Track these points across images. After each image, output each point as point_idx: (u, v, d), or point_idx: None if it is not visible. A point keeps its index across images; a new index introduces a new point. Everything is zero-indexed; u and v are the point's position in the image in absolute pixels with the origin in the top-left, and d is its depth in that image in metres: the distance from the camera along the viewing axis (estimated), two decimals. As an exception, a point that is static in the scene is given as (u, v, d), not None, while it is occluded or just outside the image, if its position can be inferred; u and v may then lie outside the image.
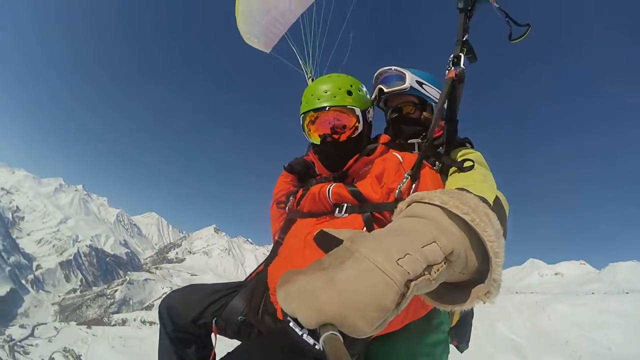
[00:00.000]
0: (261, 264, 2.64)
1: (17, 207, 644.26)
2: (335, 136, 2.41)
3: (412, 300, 1.21)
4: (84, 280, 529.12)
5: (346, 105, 2.38)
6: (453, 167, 2.13)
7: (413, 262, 0.94)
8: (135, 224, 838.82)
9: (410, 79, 2.85)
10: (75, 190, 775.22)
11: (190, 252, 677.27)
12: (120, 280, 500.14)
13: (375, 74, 3.07)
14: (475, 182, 1.82)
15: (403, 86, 2.85)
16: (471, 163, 2.02)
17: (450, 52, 2.44)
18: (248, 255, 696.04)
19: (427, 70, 3.03)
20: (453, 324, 2.29)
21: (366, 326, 0.88)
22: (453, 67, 2.40)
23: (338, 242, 1.07)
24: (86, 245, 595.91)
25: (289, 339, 1.30)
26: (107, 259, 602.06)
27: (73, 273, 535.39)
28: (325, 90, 2.40)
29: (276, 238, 2.61)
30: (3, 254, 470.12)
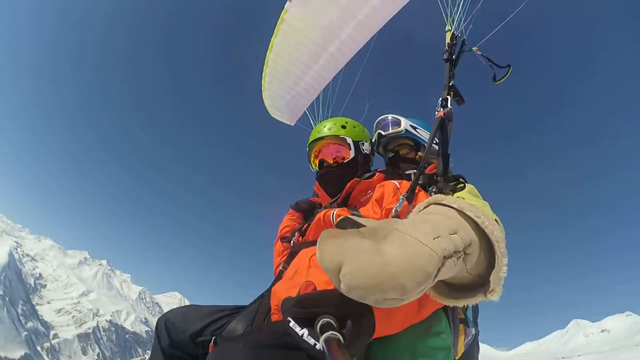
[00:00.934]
0: (265, 291, 2.64)
1: (40, 274, 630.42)
2: (333, 164, 2.86)
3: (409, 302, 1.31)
4: (101, 355, 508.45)
5: (339, 135, 2.87)
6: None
7: (446, 242, 1.04)
8: (157, 303, 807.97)
9: (405, 123, 3.22)
10: (100, 265, 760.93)
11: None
12: (139, 358, 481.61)
13: (375, 122, 3.43)
14: (475, 203, 1.88)
15: (399, 129, 3.21)
16: (462, 185, 2.24)
17: (439, 96, 2.77)
18: None
19: (421, 117, 3.40)
20: (457, 357, 2.30)
21: (414, 288, 0.94)
22: (442, 108, 2.68)
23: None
24: (106, 320, 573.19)
25: (288, 337, 1.28)
26: (127, 336, 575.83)
27: (90, 346, 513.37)
28: (324, 125, 2.97)
29: (280, 269, 2.68)
30: (22, 318, 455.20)
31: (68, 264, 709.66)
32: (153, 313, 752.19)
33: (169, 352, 2.33)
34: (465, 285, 1.25)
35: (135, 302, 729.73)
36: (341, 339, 1.09)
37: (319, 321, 1.16)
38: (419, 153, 3.26)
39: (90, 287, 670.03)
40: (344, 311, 1.23)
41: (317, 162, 2.94)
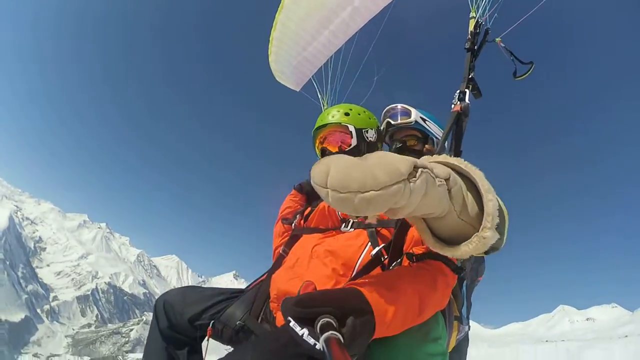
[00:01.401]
0: (264, 274, 2.66)
1: (40, 237, 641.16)
2: (335, 151, 2.81)
3: (409, 302, 1.50)
4: (99, 316, 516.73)
5: (341, 123, 2.82)
6: None
7: (421, 161, 1.15)
8: (155, 266, 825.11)
9: (415, 114, 3.16)
10: (99, 228, 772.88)
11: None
12: (137, 320, 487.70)
13: (384, 111, 3.34)
14: None
15: (409, 120, 3.14)
16: None
17: (456, 88, 2.70)
18: None
19: (429, 108, 3.32)
20: (449, 349, 2.29)
21: (387, 180, 1.04)
22: (459, 102, 2.63)
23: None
24: (105, 282, 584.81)
25: (289, 338, 1.29)
26: (125, 298, 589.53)
27: (89, 308, 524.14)
28: (328, 113, 2.92)
29: (280, 251, 2.66)
30: (22, 281, 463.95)
31: (67, 226, 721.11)
32: (151, 275, 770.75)
33: (167, 334, 2.33)
34: (462, 237, 1.33)
35: (134, 264, 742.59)
36: (341, 338, 1.10)
37: (319, 321, 1.16)
38: (427, 146, 3.21)
39: (89, 250, 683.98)
40: (344, 311, 1.25)
41: (321, 148, 2.92)
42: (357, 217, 2.25)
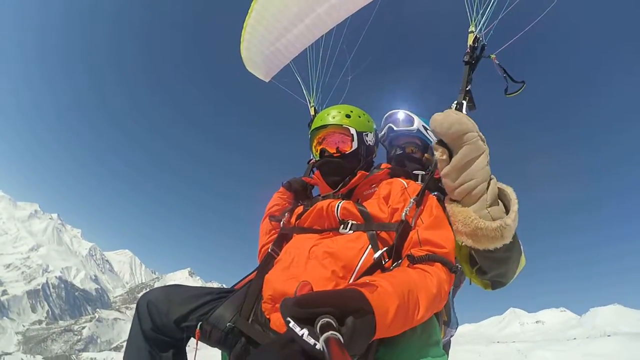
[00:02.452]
0: (251, 272, 2.63)
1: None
2: (335, 153, 2.73)
3: (409, 303, 1.59)
4: (50, 312, 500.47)
5: (342, 125, 2.74)
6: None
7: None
8: (107, 260, 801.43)
9: (418, 123, 3.19)
10: (50, 219, 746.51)
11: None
12: (89, 317, 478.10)
13: (386, 115, 3.40)
14: None
15: (411, 127, 3.19)
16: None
17: (452, 97, 2.77)
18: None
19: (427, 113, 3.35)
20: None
21: (472, 127, 1.99)
22: None
23: None
24: (55, 277, 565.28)
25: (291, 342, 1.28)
26: (76, 293, 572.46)
27: (40, 304, 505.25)
28: (328, 113, 2.83)
29: (268, 250, 2.64)
30: None
31: (18, 216, 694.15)
32: (103, 270, 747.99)
33: (150, 336, 2.23)
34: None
35: (86, 258, 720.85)
36: (341, 339, 1.10)
37: (318, 321, 1.16)
38: (426, 155, 3.26)
39: (40, 242, 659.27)
40: (344, 311, 1.26)
41: (319, 149, 2.81)
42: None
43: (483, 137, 2.14)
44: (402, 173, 2.75)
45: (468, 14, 3.01)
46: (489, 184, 2.11)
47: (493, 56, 2.94)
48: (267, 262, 2.54)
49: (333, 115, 2.80)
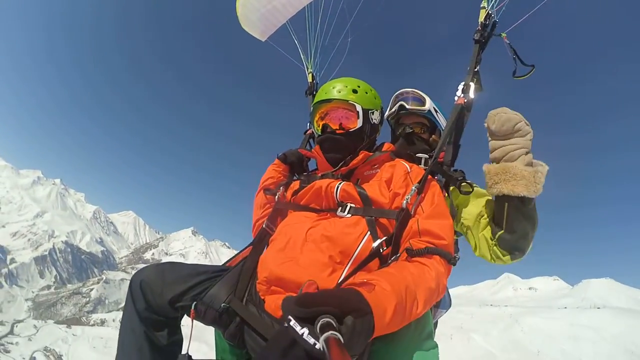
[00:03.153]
0: (245, 248, 2.62)
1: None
2: (338, 130, 2.59)
3: (408, 300, 1.60)
4: (58, 277, 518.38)
5: (348, 100, 2.57)
6: (453, 187, 2.57)
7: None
8: (111, 222, 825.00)
9: (430, 104, 3.17)
10: (53, 184, 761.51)
11: (167, 254, 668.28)
12: (96, 279, 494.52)
13: (396, 93, 3.36)
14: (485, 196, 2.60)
15: (422, 108, 3.16)
16: (469, 189, 2.42)
17: (459, 79, 2.74)
18: (225, 259, 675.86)
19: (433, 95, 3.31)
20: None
21: (518, 118, 2.21)
22: (462, 95, 2.68)
23: None
24: (62, 241, 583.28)
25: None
26: (83, 257, 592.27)
27: (47, 269, 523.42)
28: (333, 87, 2.65)
29: (262, 226, 2.62)
30: None
31: (21, 184, 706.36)
32: (108, 233, 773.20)
33: (145, 315, 2.23)
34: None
35: (90, 221, 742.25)
36: (341, 338, 1.11)
37: (319, 321, 1.17)
38: (434, 136, 3.22)
39: (45, 208, 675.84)
40: (344, 311, 1.27)
41: (321, 124, 2.66)
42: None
43: (528, 122, 2.30)
44: (405, 155, 2.70)
45: None
46: (527, 154, 2.31)
47: (504, 35, 2.82)
48: (262, 239, 2.52)
49: (339, 89, 2.63)
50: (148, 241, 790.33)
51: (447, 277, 1.98)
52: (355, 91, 2.61)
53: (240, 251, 2.65)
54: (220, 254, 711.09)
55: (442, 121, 3.22)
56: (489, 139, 2.41)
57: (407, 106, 3.19)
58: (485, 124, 2.37)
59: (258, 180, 3.04)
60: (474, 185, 2.47)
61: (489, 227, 2.46)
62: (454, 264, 2.01)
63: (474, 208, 2.57)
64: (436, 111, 3.20)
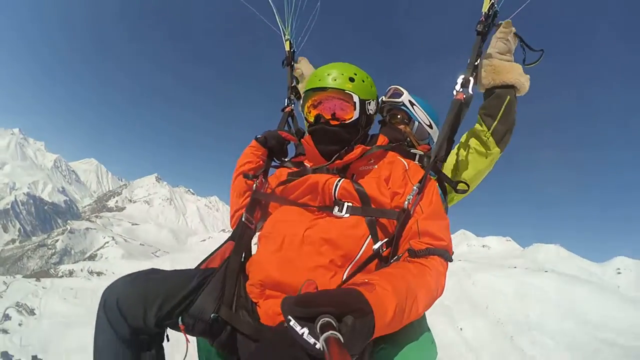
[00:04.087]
0: (223, 244, 2.51)
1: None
2: (332, 120, 2.42)
3: (408, 301, 1.60)
4: (22, 230, 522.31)
5: (344, 90, 2.39)
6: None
7: None
8: (73, 171, 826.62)
9: (405, 97, 3.24)
10: (12, 134, 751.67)
11: (131, 201, 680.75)
12: (61, 229, 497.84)
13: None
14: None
15: (397, 100, 3.25)
16: (466, 187, 2.31)
17: (457, 73, 2.67)
18: (190, 206, 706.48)
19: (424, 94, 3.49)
20: None
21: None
22: (462, 90, 2.60)
23: None
24: (23, 193, 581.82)
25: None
26: (45, 207, 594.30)
27: (11, 223, 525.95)
28: (328, 73, 2.43)
29: (241, 217, 2.52)
30: None
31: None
32: (70, 182, 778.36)
33: (130, 338, 2.02)
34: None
35: (51, 171, 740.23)
36: (341, 338, 1.12)
37: (319, 321, 1.17)
38: (407, 128, 3.23)
39: (4, 159, 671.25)
40: (344, 311, 1.27)
41: (314, 113, 2.47)
42: None
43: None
44: (400, 149, 2.62)
45: None
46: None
47: (509, 22, 2.71)
48: (242, 233, 2.44)
49: (334, 76, 2.43)
50: (111, 189, 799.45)
51: (445, 276, 1.98)
52: (352, 79, 2.43)
53: (220, 247, 2.47)
54: (185, 200, 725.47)
55: (420, 115, 3.23)
56: (504, 39, 2.65)
57: (385, 99, 3.27)
58: (510, 26, 2.62)
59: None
60: (465, 184, 2.37)
61: (478, 126, 2.67)
62: (451, 261, 2.02)
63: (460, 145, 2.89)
64: (412, 104, 3.24)
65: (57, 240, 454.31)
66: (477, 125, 2.69)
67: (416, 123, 3.23)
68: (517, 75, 2.58)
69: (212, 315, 2.06)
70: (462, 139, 2.83)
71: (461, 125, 2.62)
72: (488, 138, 2.61)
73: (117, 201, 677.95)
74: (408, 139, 3.11)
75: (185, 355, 2.12)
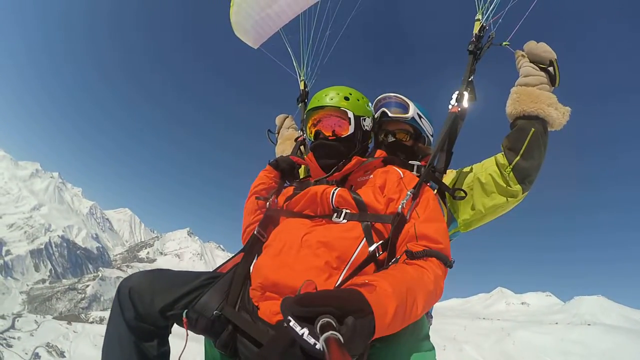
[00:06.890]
0: (236, 254, 2.59)
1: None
2: (331, 137, 2.60)
3: (408, 302, 1.58)
4: (53, 271, 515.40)
5: (340, 107, 2.59)
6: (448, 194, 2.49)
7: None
8: (107, 219, 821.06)
9: (413, 110, 3.05)
10: (51, 177, 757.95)
11: (162, 253, 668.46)
12: (92, 275, 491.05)
13: (378, 98, 3.21)
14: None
15: (406, 115, 3.04)
16: (463, 194, 2.38)
17: (454, 87, 2.77)
18: (219, 262, 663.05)
19: (420, 100, 3.23)
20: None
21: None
22: (456, 103, 2.70)
23: None
24: (58, 236, 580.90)
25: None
26: (78, 252, 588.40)
27: (43, 263, 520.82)
28: (326, 94, 2.67)
29: (253, 232, 2.61)
30: None
31: (19, 176, 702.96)
32: (103, 229, 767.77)
33: (134, 325, 2.13)
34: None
35: (86, 217, 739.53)
36: (341, 339, 1.10)
37: (319, 321, 1.16)
38: (418, 144, 3.12)
39: (42, 201, 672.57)
40: (344, 311, 1.25)
41: (314, 131, 2.70)
42: None
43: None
44: (397, 161, 2.69)
45: (475, 0, 2.92)
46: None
47: (506, 43, 2.82)
48: (253, 245, 2.53)
49: (331, 96, 2.66)
50: (143, 240, 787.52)
51: (444, 280, 1.99)
52: (347, 98, 2.65)
53: (232, 257, 2.60)
54: (216, 256, 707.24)
55: (427, 127, 3.15)
56: (524, 62, 2.62)
57: (390, 114, 3.08)
58: (524, 49, 2.66)
59: (249, 186, 3.03)
60: (463, 191, 2.42)
61: (501, 158, 2.58)
62: (451, 267, 2.02)
63: (476, 170, 2.77)
64: (420, 117, 3.11)
65: (87, 286, 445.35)
66: (500, 156, 2.61)
67: (425, 139, 3.17)
68: (543, 106, 2.45)
69: (215, 312, 2.12)
70: (487, 163, 2.71)
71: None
72: (509, 174, 2.51)
73: (148, 252, 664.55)
74: (420, 155, 3.04)
75: (184, 348, 2.21)
